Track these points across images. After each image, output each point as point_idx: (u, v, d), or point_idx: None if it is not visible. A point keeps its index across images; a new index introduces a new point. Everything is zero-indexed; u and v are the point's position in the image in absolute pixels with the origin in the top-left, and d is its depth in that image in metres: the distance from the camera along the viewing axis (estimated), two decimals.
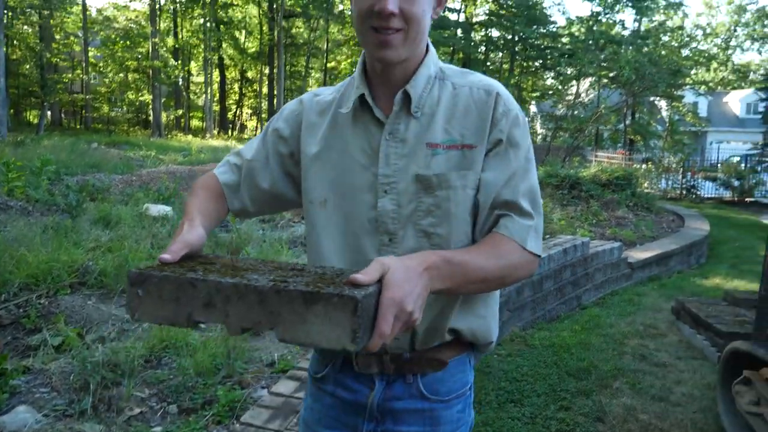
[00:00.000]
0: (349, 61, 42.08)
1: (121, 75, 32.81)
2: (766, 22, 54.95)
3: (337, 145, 1.16)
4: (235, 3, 35.37)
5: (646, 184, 16.62)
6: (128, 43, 30.52)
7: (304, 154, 1.19)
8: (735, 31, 56.92)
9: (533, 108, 41.07)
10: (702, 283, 7.23)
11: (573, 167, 13.15)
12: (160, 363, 2.98)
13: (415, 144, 1.11)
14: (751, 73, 55.71)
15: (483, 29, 36.50)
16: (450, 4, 35.60)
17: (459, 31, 33.82)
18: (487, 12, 35.41)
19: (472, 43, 34.76)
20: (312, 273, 0.94)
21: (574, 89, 30.64)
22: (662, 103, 34.12)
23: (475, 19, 36.34)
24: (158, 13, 31.01)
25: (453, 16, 34.71)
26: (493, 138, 1.12)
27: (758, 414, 2.97)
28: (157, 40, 28.59)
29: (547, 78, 37.69)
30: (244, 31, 39.25)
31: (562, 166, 12.76)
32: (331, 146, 1.17)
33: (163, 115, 32.13)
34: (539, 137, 34.26)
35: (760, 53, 59.72)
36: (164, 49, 31.89)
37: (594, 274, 6.40)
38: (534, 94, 38.59)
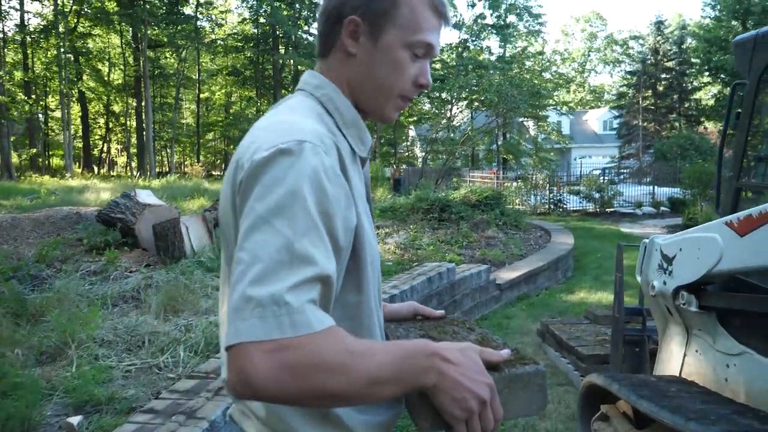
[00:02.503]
0: (223, 91, 40.90)
1: None
2: (614, 48, 60.57)
3: (357, 193, 0.97)
4: (95, 33, 33.18)
5: (517, 201, 17.23)
6: None
7: (358, 214, 0.95)
8: (589, 56, 62.21)
9: (412, 132, 42.08)
10: (568, 299, 7.29)
11: (444, 190, 13.22)
12: None
13: None
14: (605, 93, 60.97)
15: None
16: None
17: None
18: None
19: None
20: (426, 327, 1.18)
21: (449, 113, 31.72)
22: (530, 123, 36.23)
23: None
24: (2, 43, 28.30)
25: None
26: None
27: None
28: (2, 73, 25.95)
29: (424, 103, 38.78)
30: (107, 62, 36.88)
31: (434, 190, 12.79)
32: (359, 196, 0.97)
33: (14, 156, 29.17)
34: (419, 161, 35.00)
35: (611, 75, 65.76)
36: (11, 83, 29.04)
37: (462, 301, 6.19)
38: (411, 119, 39.52)
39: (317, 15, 1.06)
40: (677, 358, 2.87)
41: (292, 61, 30.99)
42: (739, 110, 2.89)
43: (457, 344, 0.89)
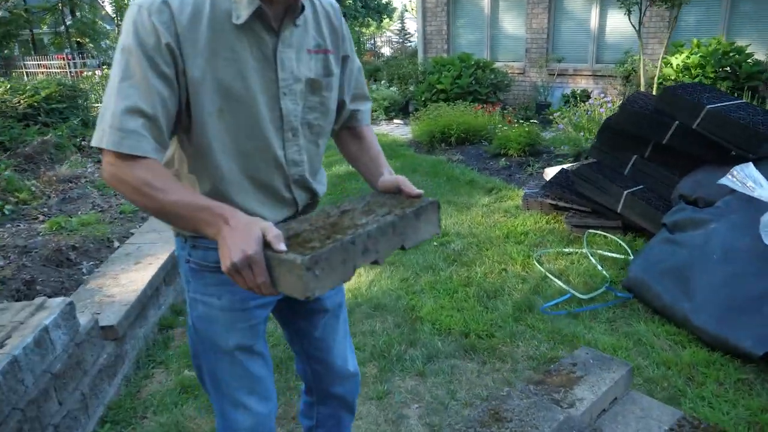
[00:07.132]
0: None
1: None
2: None
3: (224, 53, 1.16)
4: None
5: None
6: None
7: (191, 66, 1.13)
8: None
9: None
10: None
11: None
12: None
13: (299, 50, 1.27)
14: None
15: None
16: None
17: None
18: None
19: None
20: (375, 201, 1.28)
21: None
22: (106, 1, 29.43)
23: None
24: None
25: None
26: (343, 48, 1.40)
27: None
28: None
29: None
30: None
31: None
32: (216, 54, 1.15)
33: None
34: None
35: None
36: None
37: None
38: None
39: None
40: None
41: None
42: None
43: (250, 218, 1.04)
